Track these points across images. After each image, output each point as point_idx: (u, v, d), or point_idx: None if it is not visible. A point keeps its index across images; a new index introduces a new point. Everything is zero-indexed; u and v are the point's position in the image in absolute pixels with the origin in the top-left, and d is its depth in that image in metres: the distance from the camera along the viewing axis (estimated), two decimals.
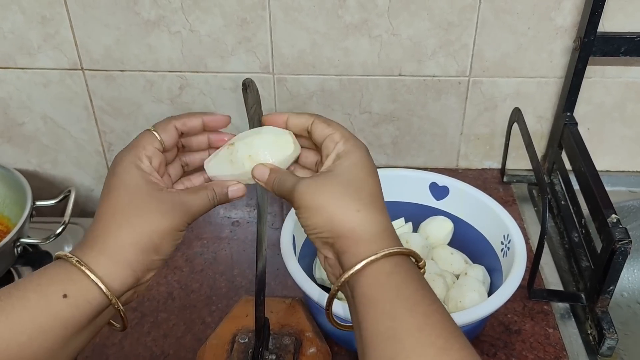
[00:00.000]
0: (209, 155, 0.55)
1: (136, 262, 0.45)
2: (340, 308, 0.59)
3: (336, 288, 0.45)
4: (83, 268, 0.43)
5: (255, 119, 0.55)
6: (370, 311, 0.42)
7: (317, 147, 0.52)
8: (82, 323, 0.43)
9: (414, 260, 0.46)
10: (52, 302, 0.42)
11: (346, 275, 0.44)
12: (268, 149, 0.51)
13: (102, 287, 0.43)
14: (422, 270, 0.46)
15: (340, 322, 0.51)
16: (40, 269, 0.44)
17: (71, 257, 0.43)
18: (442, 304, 0.43)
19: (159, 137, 0.50)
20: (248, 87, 0.54)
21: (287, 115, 0.52)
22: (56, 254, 0.45)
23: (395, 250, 0.44)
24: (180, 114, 0.52)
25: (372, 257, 0.43)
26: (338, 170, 0.47)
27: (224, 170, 0.52)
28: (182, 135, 0.52)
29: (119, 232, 0.45)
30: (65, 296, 0.42)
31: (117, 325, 0.48)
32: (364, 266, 0.43)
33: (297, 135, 0.53)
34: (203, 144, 0.55)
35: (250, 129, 0.55)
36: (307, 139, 0.53)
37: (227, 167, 0.52)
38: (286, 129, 0.53)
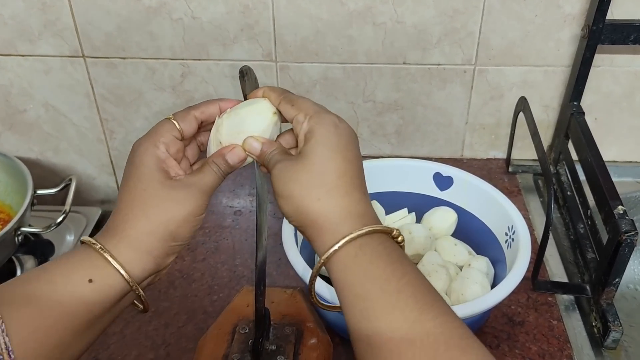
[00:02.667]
0: None
1: (155, 250, 0.46)
2: (325, 290, 0.59)
3: (314, 274, 0.47)
4: (106, 255, 0.44)
5: None
6: (344, 293, 0.43)
7: None
8: (106, 306, 0.44)
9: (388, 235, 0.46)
10: (78, 286, 0.43)
11: (317, 266, 0.45)
12: (248, 120, 0.51)
13: (124, 274, 0.44)
14: (399, 239, 0.46)
15: (323, 302, 0.52)
16: (66, 253, 0.46)
17: (95, 244, 0.45)
18: (416, 271, 0.43)
19: (178, 126, 0.50)
20: (245, 74, 0.53)
21: (262, 91, 0.53)
22: (82, 238, 0.46)
23: (357, 234, 0.43)
24: (197, 103, 0.52)
25: (335, 247, 0.43)
26: (304, 155, 0.47)
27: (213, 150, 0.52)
28: (201, 124, 0.52)
29: (137, 222, 0.46)
30: (90, 281, 0.43)
31: (140, 306, 0.49)
32: (330, 255, 0.44)
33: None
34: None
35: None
36: None
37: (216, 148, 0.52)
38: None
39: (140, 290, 0.46)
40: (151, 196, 0.46)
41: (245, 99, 0.54)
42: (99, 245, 0.45)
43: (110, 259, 0.44)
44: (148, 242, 0.46)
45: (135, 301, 0.48)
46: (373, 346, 0.40)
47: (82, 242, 0.46)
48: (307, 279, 0.63)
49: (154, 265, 0.46)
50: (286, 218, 0.48)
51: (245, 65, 0.54)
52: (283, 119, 0.52)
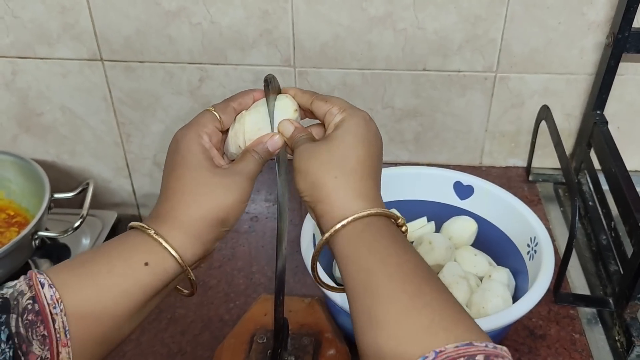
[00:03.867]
0: None
1: (205, 235, 0.48)
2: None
3: (317, 249, 0.48)
4: (161, 240, 0.46)
5: None
6: (348, 268, 0.45)
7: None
8: (158, 288, 0.46)
9: (393, 221, 0.48)
10: (135, 269, 0.45)
11: (323, 239, 0.47)
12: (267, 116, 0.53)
13: (178, 258, 0.46)
14: (403, 229, 0.48)
15: (325, 282, 0.55)
16: (119, 237, 0.48)
17: (149, 229, 0.46)
18: (416, 254, 0.45)
19: (218, 117, 0.52)
20: (270, 82, 0.53)
21: (295, 91, 0.55)
22: (131, 224, 0.48)
23: (366, 213, 0.46)
24: (234, 95, 0.55)
25: (344, 222, 0.45)
26: (330, 138, 0.49)
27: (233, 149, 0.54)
28: (239, 113, 0.55)
29: (188, 209, 0.48)
30: (146, 264, 0.45)
31: (185, 291, 0.51)
32: (338, 228, 0.46)
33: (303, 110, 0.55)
34: None
35: (271, 126, 0.53)
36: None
37: (236, 148, 0.54)
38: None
39: (191, 273, 0.47)
40: (201, 184, 0.48)
41: (268, 106, 0.53)
42: (153, 231, 0.46)
43: (165, 243, 0.46)
44: (199, 227, 0.47)
45: (178, 287, 0.50)
46: (373, 318, 0.41)
47: (133, 228, 0.48)
48: (325, 289, 0.62)
49: (203, 250, 0.48)
50: (300, 193, 0.50)
51: (269, 74, 0.54)
52: (310, 116, 0.55)
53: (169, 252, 0.46)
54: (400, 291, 0.42)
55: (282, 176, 0.58)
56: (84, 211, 0.82)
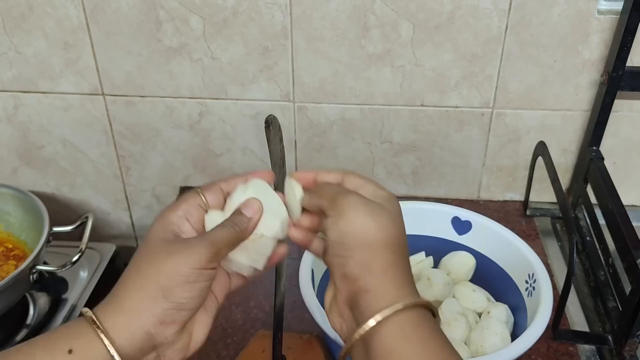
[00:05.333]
0: None
1: (145, 311, 0.40)
2: None
3: (358, 337, 0.41)
4: (90, 319, 0.40)
5: (279, 157, 0.54)
6: None
7: None
8: None
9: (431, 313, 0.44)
10: (56, 357, 0.39)
11: (376, 320, 0.40)
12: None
13: (103, 338, 0.39)
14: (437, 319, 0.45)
15: None
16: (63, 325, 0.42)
17: (87, 312, 0.41)
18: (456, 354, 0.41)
19: (203, 197, 0.47)
20: (271, 124, 0.53)
21: (315, 173, 0.50)
22: (81, 310, 0.42)
23: (420, 302, 0.42)
24: (227, 177, 0.51)
25: (400, 305, 0.40)
26: (385, 205, 0.46)
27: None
28: (227, 194, 0.50)
29: (128, 280, 0.42)
30: (70, 352, 0.39)
31: None
32: (389, 314, 0.40)
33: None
34: None
35: (271, 164, 0.54)
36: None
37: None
38: (315, 184, 0.50)
39: (119, 356, 0.39)
40: (148, 253, 0.43)
41: (270, 147, 0.54)
42: (90, 312, 0.41)
43: (92, 323, 0.40)
44: (137, 300, 0.41)
45: None
46: None
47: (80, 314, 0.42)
48: (324, 327, 0.62)
49: (144, 333, 0.40)
50: (338, 252, 0.44)
51: (270, 115, 0.55)
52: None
53: (97, 334, 0.39)
54: None
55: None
56: (83, 245, 0.82)
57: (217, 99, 0.92)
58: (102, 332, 0.40)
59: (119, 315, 0.41)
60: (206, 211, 0.47)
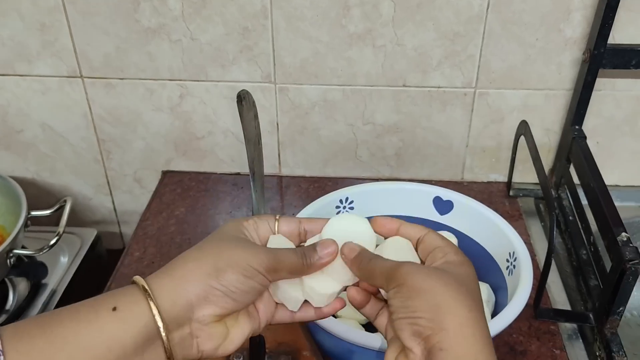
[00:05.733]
0: None
1: (193, 281, 0.42)
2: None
3: None
4: (138, 280, 0.41)
5: (253, 134, 0.53)
6: None
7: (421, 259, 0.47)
8: (128, 343, 0.40)
9: None
10: (100, 315, 0.40)
11: None
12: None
13: (148, 299, 0.40)
14: None
15: None
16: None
17: (138, 278, 0.42)
18: None
19: (277, 223, 0.48)
20: (243, 98, 0.53)
21: (399, 224, 0.48)
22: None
23: None
24: (313, 218, 0.50)
25: None
26: (449, 270, 0.43)
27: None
28: (304, 231, 0.50)
29: (186, 254, 0.44)
30: (114, 309, 0.40)
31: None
32: None
33: None
34: None
35: (245, 142, 0.53)
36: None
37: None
38: (397, 235, 0.49)
39: (161, 318, 0.40)
40: (214, 239, 0.45)
41: (243, 124, 0.53)
42: (141, 278, 0.42)
43: (138, 281, 0.41)
44: (189, 269, 0.42)
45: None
46: None
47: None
48: None
49: (185, 302, 0.41)
50: (405, 314, 0.40)
51: (243, 90, 0.54)
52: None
53: (143, 295, 0.40)
54: None
55: (257, 192, 0.58)
56: (61, 229, 0.81)
57: (197, 80, 0.90)
58: (147, 293, 0.41)
59: (168, 280, 0.42)
60: (274, 233, 0.48)
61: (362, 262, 0.45)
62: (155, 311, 0.40)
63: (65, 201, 0.85)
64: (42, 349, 0.38)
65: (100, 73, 0.90)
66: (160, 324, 0.41)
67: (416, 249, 0.47)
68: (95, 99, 0.93)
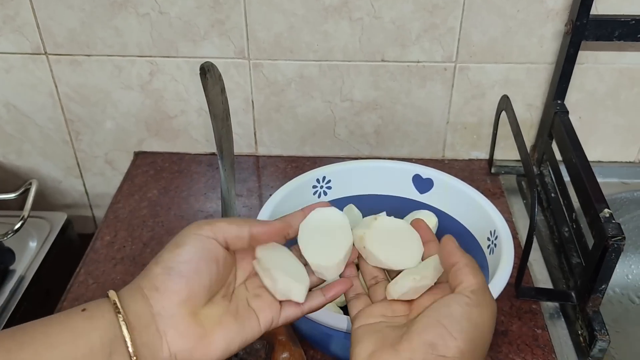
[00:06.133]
0: None
1: (142, 277, 0.42)
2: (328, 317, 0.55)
3: None
4: (110, 294, 0.41)
5: (221, 109, 0.50)
6: None
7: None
8: (94, 346, 0.38)
9: None
10: (70, 315, 0.40)
11: None
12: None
13: (112, 294, 0.40)
14: None
15: None
16: None
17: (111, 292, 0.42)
18: None
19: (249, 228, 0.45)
20: (208, 71, 0.50)
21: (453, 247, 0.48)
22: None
23: None
24: (265, 222, 0.47)
25: None
26: (471, 307, 0.42)
27: None
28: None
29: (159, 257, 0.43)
30: (83, 310, 0.40)
31: None
32: None
33: None
34: None
35: (211, 117, 0.50)
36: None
37: None
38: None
39: (123, 313, 0.39)
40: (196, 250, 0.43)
41: (208, 98, 0.50)
42: (112, 291, 0.41)
43: (110, 294, 0.41)
44: (146, 269, 0.42)
45: None
46: None
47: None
48: None
49: (141, 297, 0.41)
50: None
51: (207, 62, 0.51)
52: None
53: (109, 297, 0.41)
54: None
55: (226, 170, 0.55)
56: (25, 212, 0.78)
57: (168, 57, 0.87)
58: (114, 294, 0.41)
59: (133, 285, 0.42)
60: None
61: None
62: (118, 305, 0.40)
63: (30, 184, 0.82)
64: (9, 348, 0.37)
65: (65, 49, 0.86)
66: (122, 316, 0.39)
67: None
68: (61, 77, 0.89)
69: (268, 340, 0.62)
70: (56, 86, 0.90)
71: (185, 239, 0.42)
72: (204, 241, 0.42)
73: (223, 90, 0.51)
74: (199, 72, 0.87)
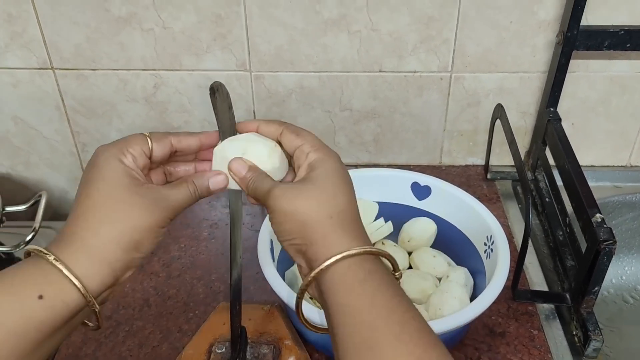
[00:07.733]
0: (194, 169, 0.53)
1: (116, 261, 0.43)
2: (316, 315, 0.57)
3: (304, 288, 0.45)
4: (60, 267, 0.40)
5: (228, 125, 0.52)
6: (346, 320, 0.42)
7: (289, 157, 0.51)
8: (57, 324, 0.40)
9: (389, 263, 0.46)
10: (26, 303, 0.39)
11: (316, 270, 0.43)
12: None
13: (81, 287, 0.40)
14: (397, 274, 0.47)
15: (313, 324, 0.51)
16: (13, 266, 0.41)
17: (47, 254, 0.40)
18: (416, 310, 0.43)
19: (149, 143, 0.48)
20: (217, 91, 0.52)
21: (257, 123, 0.51)
22: (27, 248, 0.42)
23: (368, 249, 0.44)
24: (179, 132, 0.51)
25: (345, 254, 0.43)
26: (312, 179, 0.47)
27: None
28: (175, 152, 0.51)
29: (100, 228, 0.42)
30: (40, 297, 0.39)
31: (91, 324, 0.45)
32: (336, 272, 0.43)
33: None
34: (189, 157, 0.53)
35: (220, 134, 0.52)
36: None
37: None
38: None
39: (96, 305, 0.42)
40: (117, 200, 0.43)
41: (217, 116, 0.52)
42: (53, 257, 0.40)
43: (65, 271, 0.40)
44: (109, 250, 0.42)
45: (85, 320, 0.45)
46: None
47: (30, 253, 0.42)
48: (283, 296, 0.61)
49: (112, 278, 0.43)
50: (282, 237, 0.46)
51: (216, 82, 0.53)
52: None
53: (70, 280, 0.40)
54: (407, 354, 0.39)
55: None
56: (36, 224, 0.80)
57: (172, 70, 0.89)
58: (78, 280, 0.40)
59: (91, 261, 0.42)
60: (149, 157, 0.48)
61: (248, 184, 0.49)
62: (92, 301, 0.41)
63: (40, 196, 0.84)
64: None
65: (71, 64, 0.89)
66: (97, 308, 0.42)
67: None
68: (67, 91, 0.92)
69: (275, 345, 0.64)
70: (63, 99, 0.92)
71: (161, 233, 0.46)
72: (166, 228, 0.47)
73: (230, 107, 0.53)
74: (205, 85, 0.90)
